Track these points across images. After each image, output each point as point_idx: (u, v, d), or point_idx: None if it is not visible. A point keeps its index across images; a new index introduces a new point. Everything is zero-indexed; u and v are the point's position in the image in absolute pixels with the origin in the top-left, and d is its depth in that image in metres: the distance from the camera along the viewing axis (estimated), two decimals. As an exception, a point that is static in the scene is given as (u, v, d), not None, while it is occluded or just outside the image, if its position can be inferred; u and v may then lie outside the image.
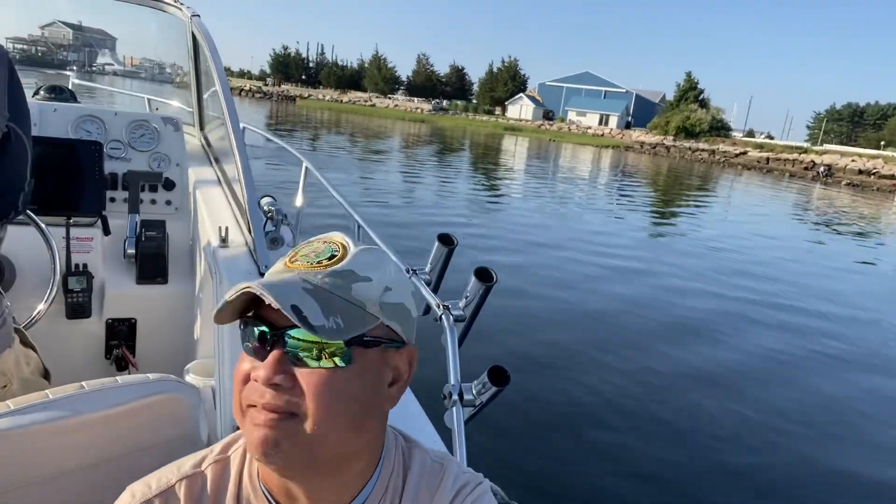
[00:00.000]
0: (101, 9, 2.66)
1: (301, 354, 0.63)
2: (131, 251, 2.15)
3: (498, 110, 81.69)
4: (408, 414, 1.27)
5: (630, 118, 75.58)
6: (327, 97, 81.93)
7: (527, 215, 13.41)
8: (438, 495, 0.73)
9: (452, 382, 1.19)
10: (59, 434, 0.87)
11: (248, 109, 52.98)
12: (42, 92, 2.95)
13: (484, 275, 1.32)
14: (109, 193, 2.31)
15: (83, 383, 0.98)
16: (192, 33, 2.03)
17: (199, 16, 2.02)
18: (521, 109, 78.50)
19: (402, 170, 20.10)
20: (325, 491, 0.69)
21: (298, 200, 2.80)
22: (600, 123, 72.27)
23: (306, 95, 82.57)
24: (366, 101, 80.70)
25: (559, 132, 65.06)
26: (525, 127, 67.15)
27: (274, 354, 0.63)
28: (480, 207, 13.92)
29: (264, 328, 0.64)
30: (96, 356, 2.17)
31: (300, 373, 0.63)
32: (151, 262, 2.14)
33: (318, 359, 0.63)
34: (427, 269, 1.53)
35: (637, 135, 62.76)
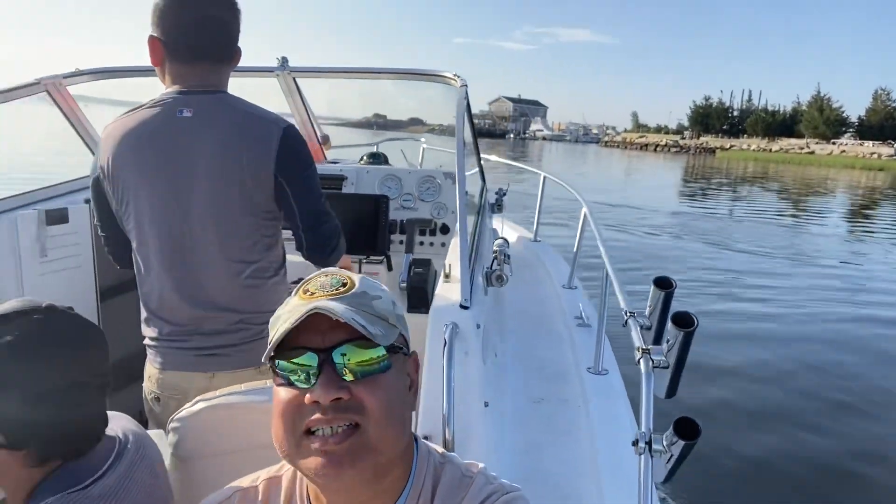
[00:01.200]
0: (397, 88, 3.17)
1: (351, 368, 0.71)
2: (404, 284, 2.47)
3: None
4: (623, 454, 1.35)
5: None
6: (752, 147, 69.23)
7: None
8: None
9: (643, 430, 1.18)
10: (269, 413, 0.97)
11: (660, 164, 51.56)
12: (365, 157, 3.74)
13: (682, 320, 1.28)
14: (394, 237, 2.75)
15: None
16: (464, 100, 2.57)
17: (466, 85, 2.35)
18: None
19: (844, 232, 16.12)
20: (364, 502, 0.75)
21: (576, 243, 3.06)
22: None
23: (727, 146, 71.76)
24: (801, 149, 65.90)
25: None
26: None
27: (328, 375, 0.70)
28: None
29: (314, 354, 0.71)
30: None
31: (354, 385, 0.71)
32: (416, 294, 2.37)
33: (367, 368, 0.72)
34: (646, 313, 1.52)
35: None
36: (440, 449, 0.85)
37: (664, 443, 1.15)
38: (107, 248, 1.63)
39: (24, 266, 2.22)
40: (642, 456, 1.15)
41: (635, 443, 1.18)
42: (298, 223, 1.52)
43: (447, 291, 1.46)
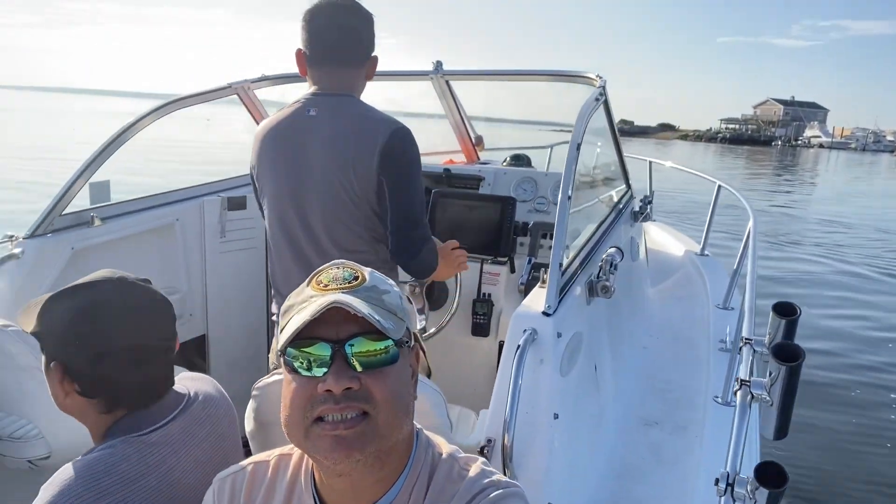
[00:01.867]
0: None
1: (361, 360, 0.75)
2: (522, 287, 2.48)
3: None
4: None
5: None
6: None
7: None
8: (456, 500, 0.79)
9: (727, 470, 1.12)
10: None
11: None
12: (508, 159, 3.69)
13: (786, 353, 1.17)
14: (522, 239, 2.65)
15: None
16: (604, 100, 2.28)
17: (604, 85, 2.25)
18: None
19: None
20: (365, 486, 0.80)
21: (737, 260, 2.68)
22: None
23: None
24: None
25: None
26: None
27: (339, 365, 0.74)
28: None
29: (326, 344, 0.74)
30: (488, 369, 2.48)
31: (363, 375, 0.75)
32: None
33: (376, 359, 0.76)
34: (765, 342, 1.42)
35: None
36: (446, 445, 0.88)
37: (748, 487, 1.06)
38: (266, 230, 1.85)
39: (207, 244, 2.67)
40: (722, 498, 1.09)
41: (717, 482, 1.11)
42: (390, 223, 1.61)
43: (536, 296, 1.45)
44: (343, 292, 0.77)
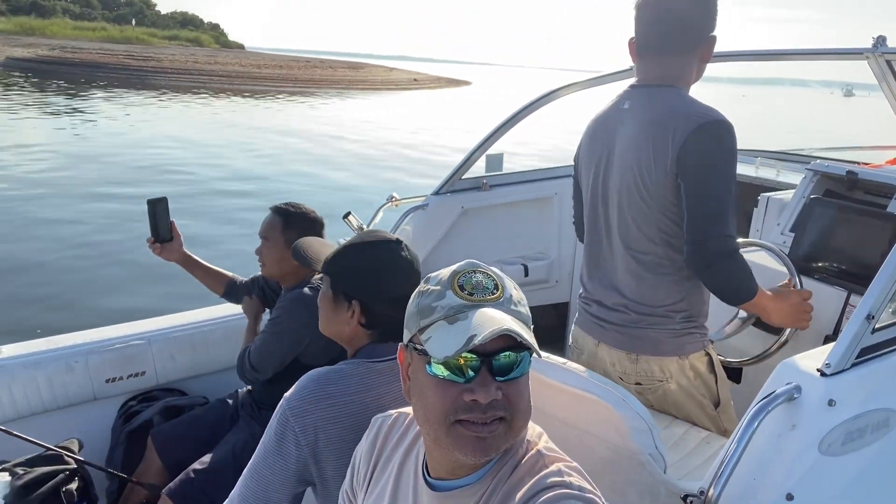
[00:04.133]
0: None
1: (504, 371, 0.80)
2: None
3: None
4: None
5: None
6: None
7: None
8: (524, 491, 0.82)
9: None
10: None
11: None
12: None
13: None
14: None
15: (549, 355, 1.29)
16: None
17: None
18: None
19: None
20: (464, 465, 0.86)
21: None
22: None
23: None
24: None
25: None
26: None
27: (485, 376, 0.80)
28: None
29: (475, 355, 0.79)
30: None
31: (504, 385, 0.81)
32: None
33: (515, 371, 0.81)
34: None
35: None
36: (543, 443, 0.90)
37: None
38: (573, 216, 1.89)
39: (562, 225, 2.82)
40: None
41: None
42: (685, 230, 1.48)
43: (826, 349, 1.19)
44: (490, 305, 0.82)
